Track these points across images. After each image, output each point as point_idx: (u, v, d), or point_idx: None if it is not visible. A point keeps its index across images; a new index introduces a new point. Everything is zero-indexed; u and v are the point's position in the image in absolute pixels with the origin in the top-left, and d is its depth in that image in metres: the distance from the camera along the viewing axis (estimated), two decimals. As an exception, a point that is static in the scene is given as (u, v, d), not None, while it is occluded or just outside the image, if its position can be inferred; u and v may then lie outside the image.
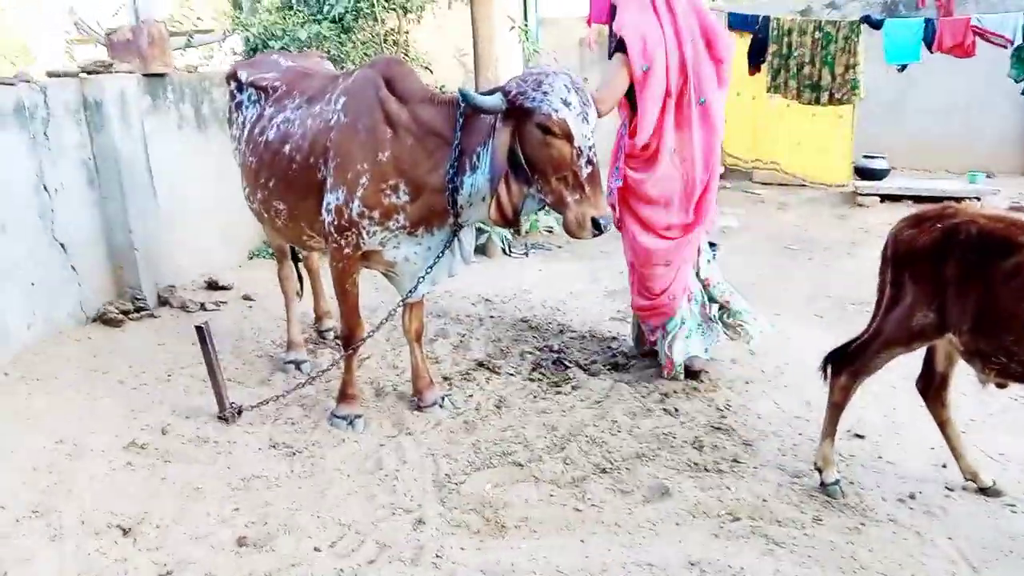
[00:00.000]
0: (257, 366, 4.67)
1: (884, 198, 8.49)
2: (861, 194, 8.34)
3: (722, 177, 10.07)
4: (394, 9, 6.90)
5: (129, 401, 4.13)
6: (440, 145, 3.39)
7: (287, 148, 3.76)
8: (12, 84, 4.38)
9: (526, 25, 10.50)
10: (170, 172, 5.57)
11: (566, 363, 4.58)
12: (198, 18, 9.29)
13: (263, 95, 4.06)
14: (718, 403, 4.13)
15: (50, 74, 4.92)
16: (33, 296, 4.59)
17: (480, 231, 7.00)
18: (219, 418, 3.91)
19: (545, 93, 3.06)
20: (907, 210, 3.32)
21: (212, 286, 5.76)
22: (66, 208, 4.78)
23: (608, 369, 4.54)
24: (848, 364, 3.21)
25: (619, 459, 3.57)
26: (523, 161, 3.17)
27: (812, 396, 4.14)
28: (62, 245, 4.73)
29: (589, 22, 10.93)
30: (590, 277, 6.48)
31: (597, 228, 3.16)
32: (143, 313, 5.15)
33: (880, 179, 8.69)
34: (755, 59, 8.50)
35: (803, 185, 8.74)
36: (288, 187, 3.79)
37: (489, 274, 6.64)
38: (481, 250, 7.16)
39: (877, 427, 3.82)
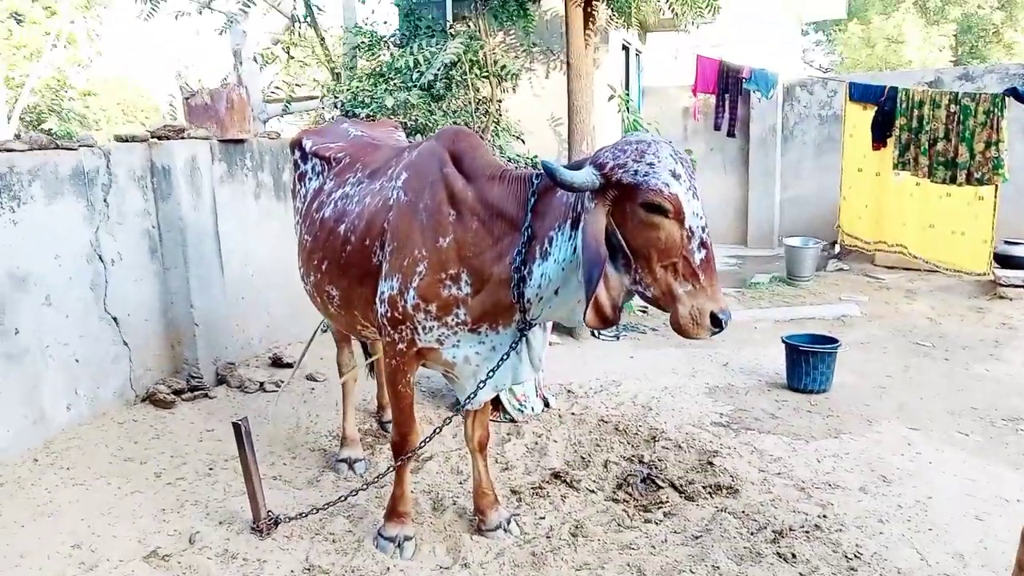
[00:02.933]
0: (308, 461, 4.19)
1: (1030, 289, 7.48)
2: (1004, 284, 7.36)
3: (838, 257, 9.30)
4: (486, 77, 6.55)
5: (162, 499, 3.70)
6: (508, 230, 2.86)
7: (342, 227, 3.32)
8: (73, 148, 4.14)
9: (627, 94, 10.08)
10: (243, 242, 5.27)
11: (658, 482, 3.90)
12: (297, 84, 9.29)
13: (326, 166, 3.67)
14: (846, 548, 3.36)
15: (118, 138, 4.71)
16: (76, 373, 4.28)
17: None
18: (252, 529, 3.42)
19: (651, 165, 2.51)
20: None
21: (277, 363, 5.37)
22: (122, 279, 4.50)
23: (708, 492, 3.83)
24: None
25: (720, 623, 2.86)
26: (624, 248, 2.62)
27: (964, 547, 3.34)
28: (114, 319, 4.43)
29: (695, 91, 10.51)
30: (688, 369, 5.79)
31: (717, 325, 2.55)
32: (197, 393, 4.78)
33: (1024, 268, 7.69)
34: (880, 133, 7.76)
35: (933, 271, 7.81)
36: (342, 271, 3.34)
37: (573, 359, 6.03)
38: (567, 331, 6.59)
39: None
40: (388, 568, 3.21)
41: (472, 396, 3.10)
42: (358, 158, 3.53)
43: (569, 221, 2.74)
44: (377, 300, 3.11)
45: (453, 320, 3.01)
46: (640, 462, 4.15)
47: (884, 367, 5.81)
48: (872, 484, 3.94)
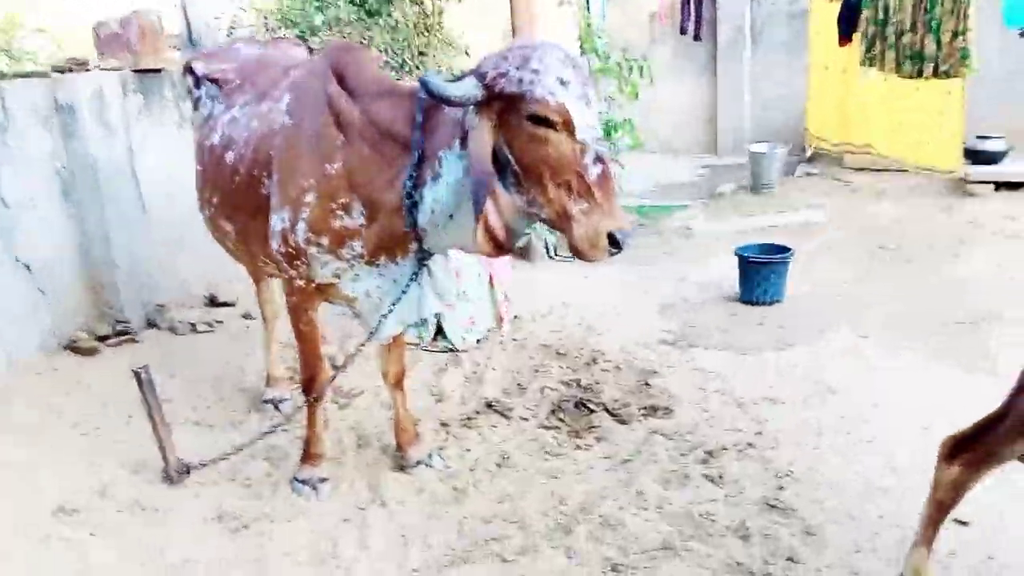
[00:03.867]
0: (235, 403, 4.05)
1: (1000, 186, 7.21)
2: (972, 181, 7.11)
3: (808, 161, 9.03)
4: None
5: (77, 450, 3.57)
6: (400, 151, 2.63)
7: (230, 156, 3.09)
8: (-43, 87, 3.88)
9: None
10: (167, 179, 5.01)
11: (590, 406, 3.78)
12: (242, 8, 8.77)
13: (217, 91, 3.41)
14: (778, 465, 3.26)
15: (18, 74, 4.41)
16: (-12, 325, 4.10)
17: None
18: (164, 478, 3.30)
19: (536, 72, 2.28)
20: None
21: (213, 302, 5.19)
22: (33, 224, 4.27)
23: (643, 414, 3.71)
24: (965, 449, 2.30)
25: (637, 552, 2.77)
26: (512, 165, 2.41)
27: (902, 459, 3.24)
28: (27, 266, 4.23)
29: (660, -6, 10.09)
30: (642, 286, 5.62)
31: (615, 245, 2.36)
32: (123, 338, 4.61)
33: (996, 163, 7.42)
34: (846, 28, 7.38)
35: (903, 171, 7.57)
36: (233, 205, 3.13)
37: (524, 283, 5.84)
38: (520, 253, 6.37)
39: (988, 512, 2.87)
40: (302, 511, 3.10)
41: (375, 331, 2.93)
42: (247, 80, 3.28)
43: (459, 139, 2.52)
44: (270, 235, 2.91)
45: (348, 253, 2.82)
46: (577, 386, 4.02)
47: (843, 274, 5.65)
48: (814, 397, 3.82)
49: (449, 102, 2.33)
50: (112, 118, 4.59)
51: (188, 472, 3.31)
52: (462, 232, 2.64)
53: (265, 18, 6.33)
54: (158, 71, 5.05)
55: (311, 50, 3.63)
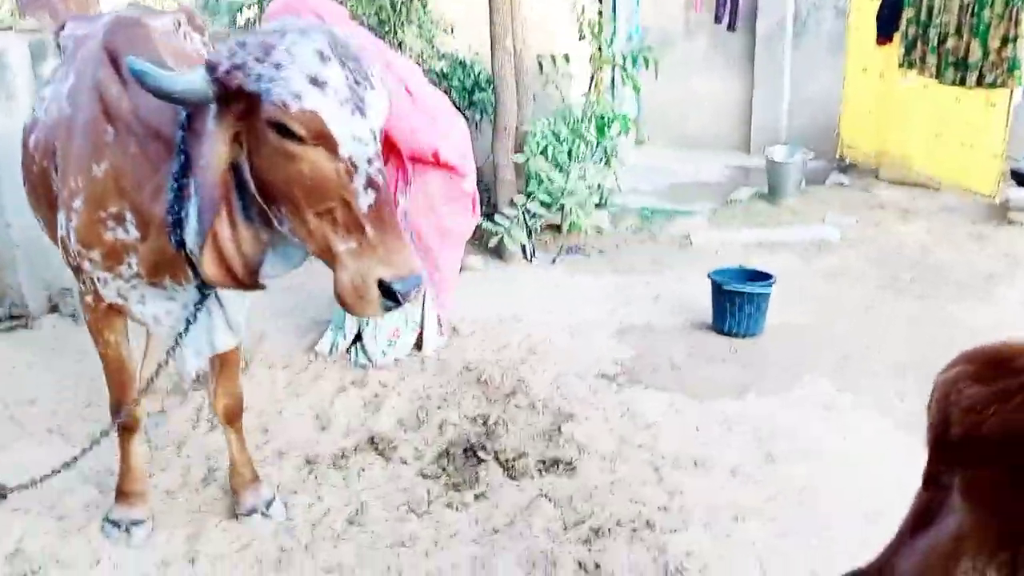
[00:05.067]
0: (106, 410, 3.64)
1: (1048, 215, 6.38)
2: (1014, 208, 6.28)
3: (842, 171, 8.22)
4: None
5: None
6: (167, 155, 2.13)
7: (32, 139, 2.65)
8: None
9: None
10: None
11: (480, 455, 3.24)
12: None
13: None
14: (671, 556, 2.67)
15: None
16: None
17: (491, 221, 5.69)
18: (-24, 500, 2.89)
19: (279, 66, 1.75)
20: None
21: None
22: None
23: (540, 469, 3.17)
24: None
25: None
26: (255, 184, 1.89)
27: (830, 558, 2.63)
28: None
29: (698, -22, 9.33)
30: (612, 303, 5.03)
31: (391, 297, 1.82)
32: (15, 323, 4.25)
33: (1046, 188, 6.55)
34: (885, 26, 6.64)
35: (938, 189, 6.77)
36: (35, 195, 2.70)
37: (485, 287, 5.32)
38: (495, 251, 5.84)
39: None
40: (98, 560, 2.66)
41: (163, 365, 2.44)
42: (73, 54, 2.80)
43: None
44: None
45: (127, 271, 2.34)
46: (482, 424, 3.49)
47: (843, 305, 4.96)
48: (752, 464, 3.22)
49: (169, 98, 1.82)
50: (18, 84, 4.20)
51: (4, 496, 2.90)
52: None
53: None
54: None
55: (177, 23, 3.13)
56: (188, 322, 2.34)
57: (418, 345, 4.22)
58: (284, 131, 1.75)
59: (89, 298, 2.48)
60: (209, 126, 1.85)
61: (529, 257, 5.96)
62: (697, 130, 9.91)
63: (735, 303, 4.43)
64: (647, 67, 6.29)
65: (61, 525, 2.83)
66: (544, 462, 3.20)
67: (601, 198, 6.74)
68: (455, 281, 4.39)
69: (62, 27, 3.20)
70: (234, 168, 1.88)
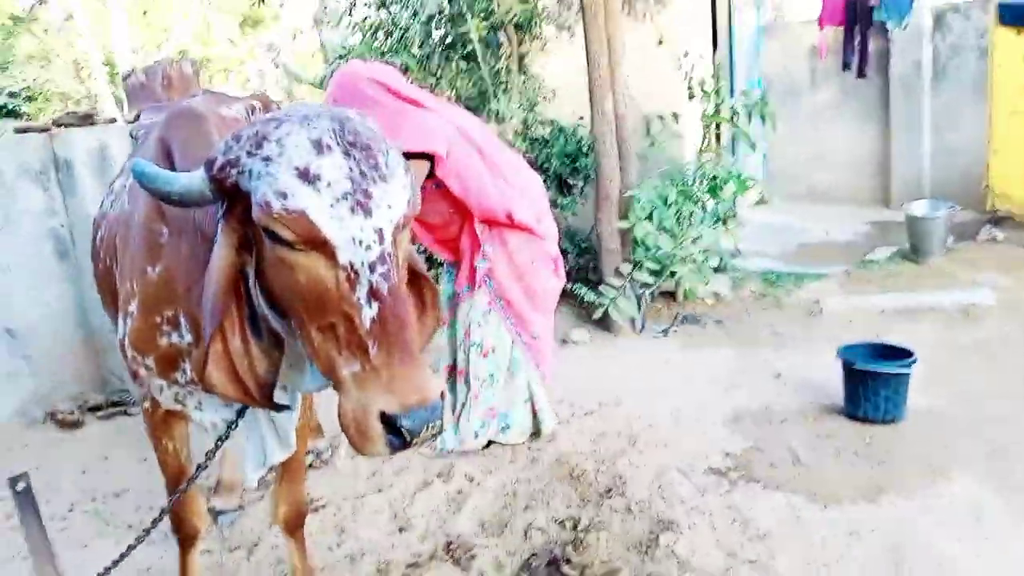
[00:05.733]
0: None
1: None
2: None
3: (995, 224, 7.38)
4: (493, 28, 5.49)
5: (-8, 550, 3.18)
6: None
7: (98, 236, 2.61)
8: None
9: (730, 32, 8.57)
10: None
11: (564, 569, 2.87)
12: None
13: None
14: None
15: (18, 130, 4.23)
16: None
17: (588, 285, 5.38)
18: (37, 610, 2.80)
19: (268, 161, 1.54)
20: None
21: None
22: (19, 288, 4.06)
23: (632, 589, 2.77)
24: None
25: None
26: (262, 293, 1.70)
27: None
28: (8, 331, 3.99)
29: (821, 23, 8.83)
30: (727, 382, 4.58)
31: (396, 434, 1.53)
32: (115, 409, 4.28)
33: None
34: (1038, 62, 5.94)
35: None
36: (103, 295, 2.64)
37: (590, 364, 4.99)
38: (600, 323, 5.50)
39: None
40: None
41: (200, 470, 2.25)
42: (142, 145, 2.76)
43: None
44: None
45: (182, 377, 2.19)
46: (572, 529, 3.14)
47: (1000, 386, 4.28)
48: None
49: (169, 199, 1.65)
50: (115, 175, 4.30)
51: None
52: (291, 369, 1.94)
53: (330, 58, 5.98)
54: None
55: (251, 110, 3.07)
56: (228, 429, 2.16)
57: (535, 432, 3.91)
58: (272, 235, 1.54)
59: (147, 404, 2.36)
60: (218, 228, 1.68)
61: (638, 329, 5.59)
62: (828, 185, 9.30)
63: (868, 385, 3.89)
64: (764, 122, 5.88)
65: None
66: (636, 582, 2.80)
67: (720, 262, 6.31)
68: (552, 350, 4.07)
69: (137, 116, 3.22)
70: (242, 274, 1.70)
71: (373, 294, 1.52)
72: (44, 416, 4.22)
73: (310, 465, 3.76)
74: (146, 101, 4.47)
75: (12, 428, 4.14)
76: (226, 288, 1.67)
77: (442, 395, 1.58)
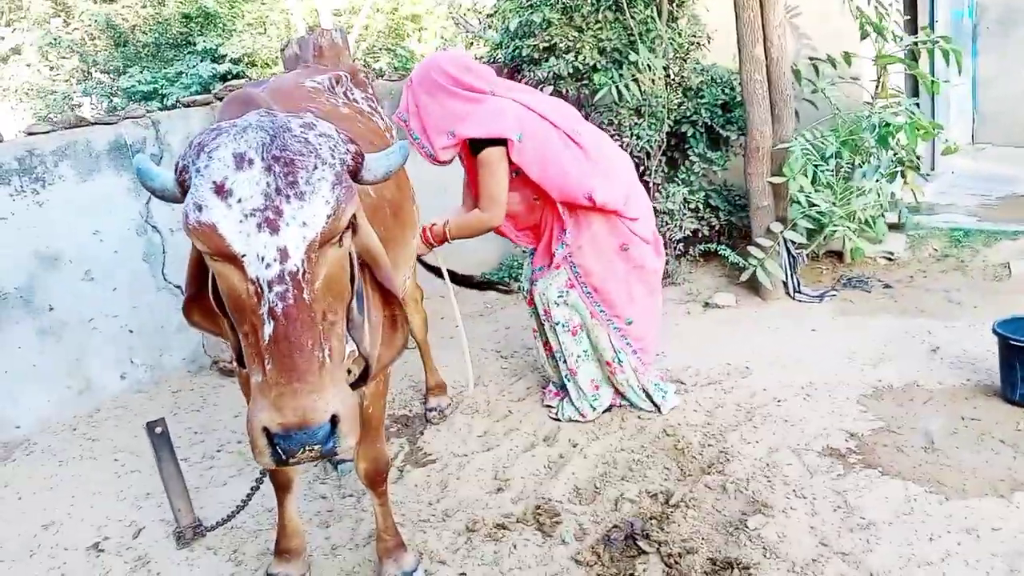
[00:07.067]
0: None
1: None
2: None
3: None
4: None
5: (149, 483, 3.64)
6: None
7: None
8: (112, 123, 4.17)
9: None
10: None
11: (642, 545, 2.85)
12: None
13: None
14: None
15: (186, 104, 4.65)
16: (131, 343, 4.44)
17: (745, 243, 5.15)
18: (175, 534, 3.21)
19: (199, 171, 1.61)
20: None
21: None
22: (185, 247, 4.51)
23: (709, 572, 2.70)
24: None
25: None
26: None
27: None
28: (179, 287, 4.48)
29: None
30: (875, 354, 4.24)
31: (275, 450, 1.61)
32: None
33: None
34: None
35: None
36: None
37: (727, 329, 4.80)
38: (751, 287, 5.27)
39: None
40: (249, 614, 2.79)
41: None
42: None
43: None
44: None
45: None
46: (665, 503, 3.09)
47: None
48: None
49: (155, 195, 1.78)
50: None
51: (203, 533, 3.19)
52: None
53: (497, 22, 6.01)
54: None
55: (336, 80, 3.21)
56: None
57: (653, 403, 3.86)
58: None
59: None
60: None
61: (792, 292, 5.28)
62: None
63: (1027, 364, 3.46)
64: (946, 62, 5.25)
65: (236, 571, 3.02)
66: (715, 562, 2.72)
67: (899, 218, 5.78)
68: (655, 334, 3.93)
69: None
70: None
71: (271, 314, 1.57)
72: (211, 363, 4.74)
73: (429, 421, 3.96)
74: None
75: (182, 374, 4.69)
76: (193, 274, 1.96)
77: (334, 419, 1.61)
